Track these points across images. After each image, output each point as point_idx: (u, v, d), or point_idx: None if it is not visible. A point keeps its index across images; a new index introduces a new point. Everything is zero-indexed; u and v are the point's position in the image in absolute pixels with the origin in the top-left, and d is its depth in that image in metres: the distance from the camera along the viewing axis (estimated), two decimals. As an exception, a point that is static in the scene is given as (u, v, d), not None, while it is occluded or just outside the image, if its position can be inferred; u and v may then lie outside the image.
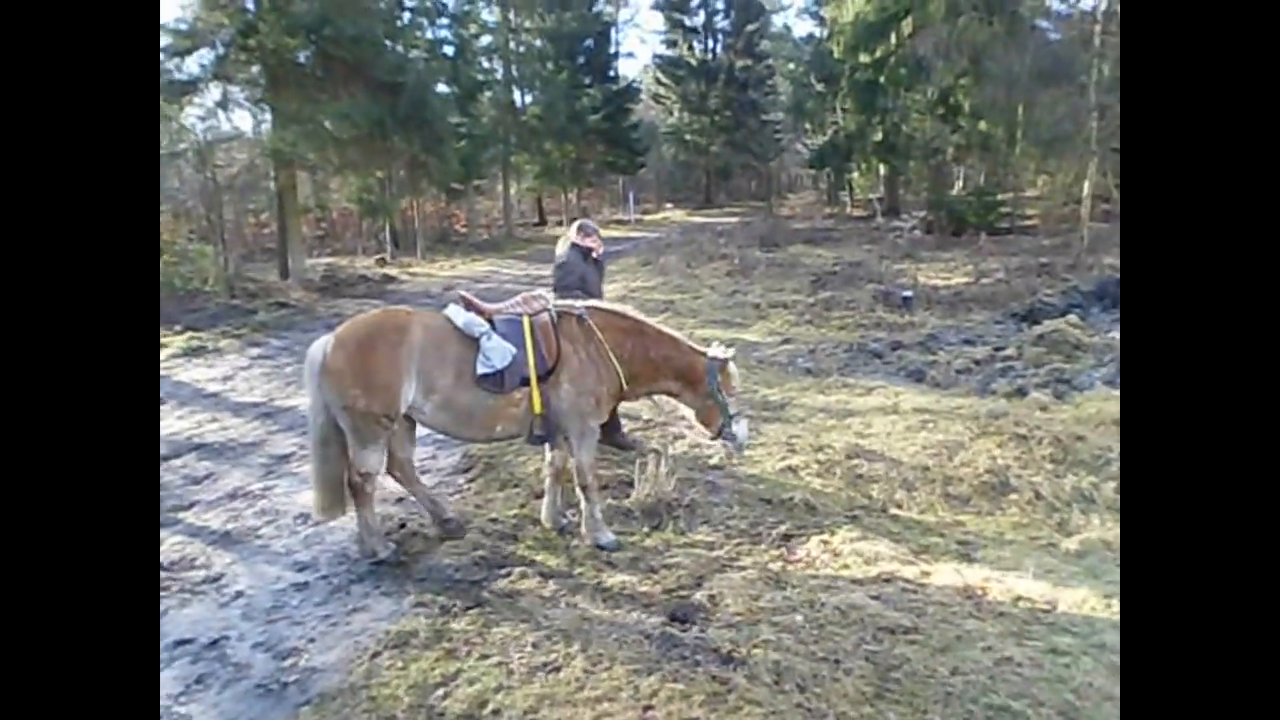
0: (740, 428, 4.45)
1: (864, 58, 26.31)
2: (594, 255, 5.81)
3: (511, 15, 29.69)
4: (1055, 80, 18.62)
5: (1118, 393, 6.90)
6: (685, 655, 3.24)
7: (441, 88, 21.49)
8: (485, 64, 28.73)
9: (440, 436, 6.05)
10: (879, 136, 27.17)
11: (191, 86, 14.84)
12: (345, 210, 23.92)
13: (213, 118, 15.85)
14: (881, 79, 26.30)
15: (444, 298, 11.60)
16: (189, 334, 10.94)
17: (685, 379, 4.41)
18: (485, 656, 3.27)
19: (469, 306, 4.21)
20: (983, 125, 23.88)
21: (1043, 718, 2.82)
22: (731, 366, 4.42)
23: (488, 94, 27.96)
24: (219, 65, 14.87)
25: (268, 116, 16.38)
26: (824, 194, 40.54)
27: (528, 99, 31.59)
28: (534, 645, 3.32)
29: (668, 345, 4.41)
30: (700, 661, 3.19)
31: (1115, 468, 5.36)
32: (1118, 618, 3.55)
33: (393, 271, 18.79)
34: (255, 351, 10.26)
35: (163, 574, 4.21)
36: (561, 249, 5.81)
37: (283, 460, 6.07)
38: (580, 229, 5.87)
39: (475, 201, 29.42)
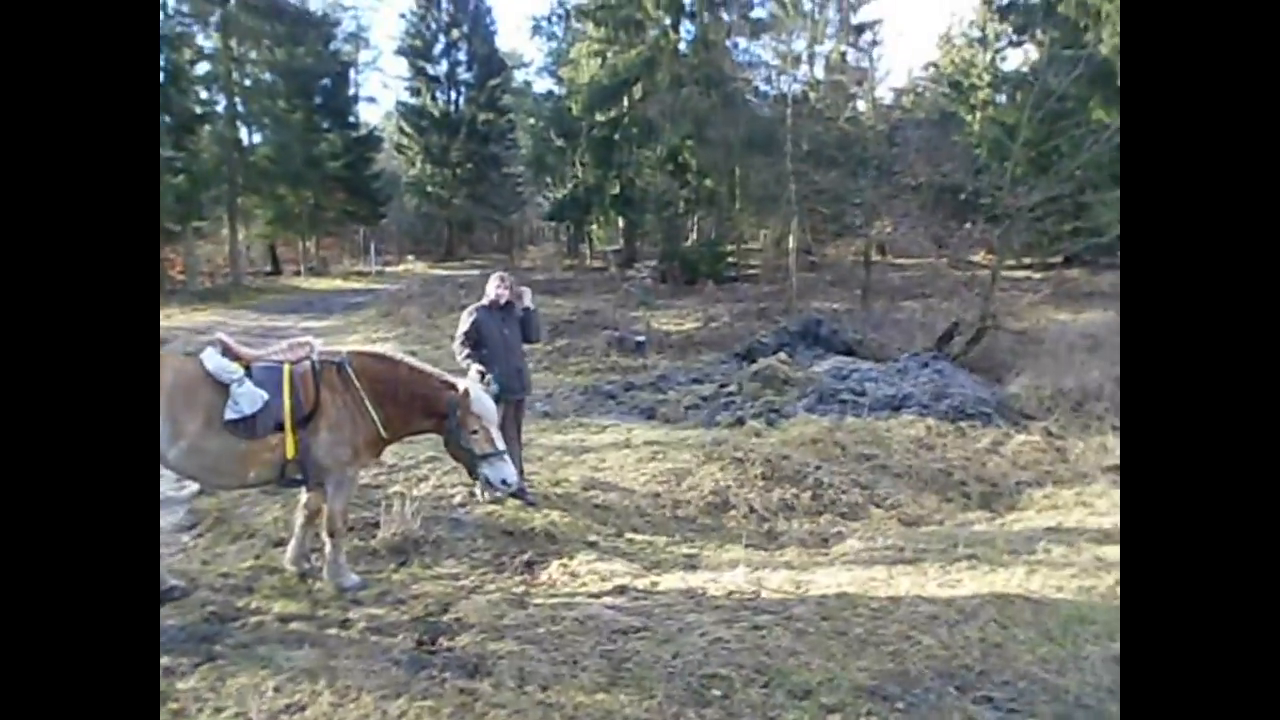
0: (494, 469, 4.17)
1: (600, 116, 28.21)
2: (499, 304, 5.82)
3: (234, 43, 27.82)
4: (764, 149, 21.43)
5: (815, 417, 8.10)
6: (433, 675, 3.36)
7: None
8: (205, 95, 26.64)
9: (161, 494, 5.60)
10: (616, 190, 28.95)
11: None
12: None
13: None
14: (617, 136, 28.33)
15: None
16: None
17: (434, 415, 4.26)
18: (220, 710, 3.13)
19: (225, 351, 4.06)
20: (708, 182, 26.60)
21: (743, 677, 3.34)
22: (477, 403, 4.21)
23: (207, 128, 25.86)
24: None
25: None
26: (564, 246, 41.91)
27: (257, 138, 29.70)
28: (275, 689, 3.25)
29: (419, 382, 4.28)
30: (448, 677, 3.33)
31: (811, 479, 6.31)
32: (806, 595, 4.26)
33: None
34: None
35: None
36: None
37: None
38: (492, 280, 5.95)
39: (194, 245, 26.73)
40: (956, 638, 3.76)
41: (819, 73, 27.84)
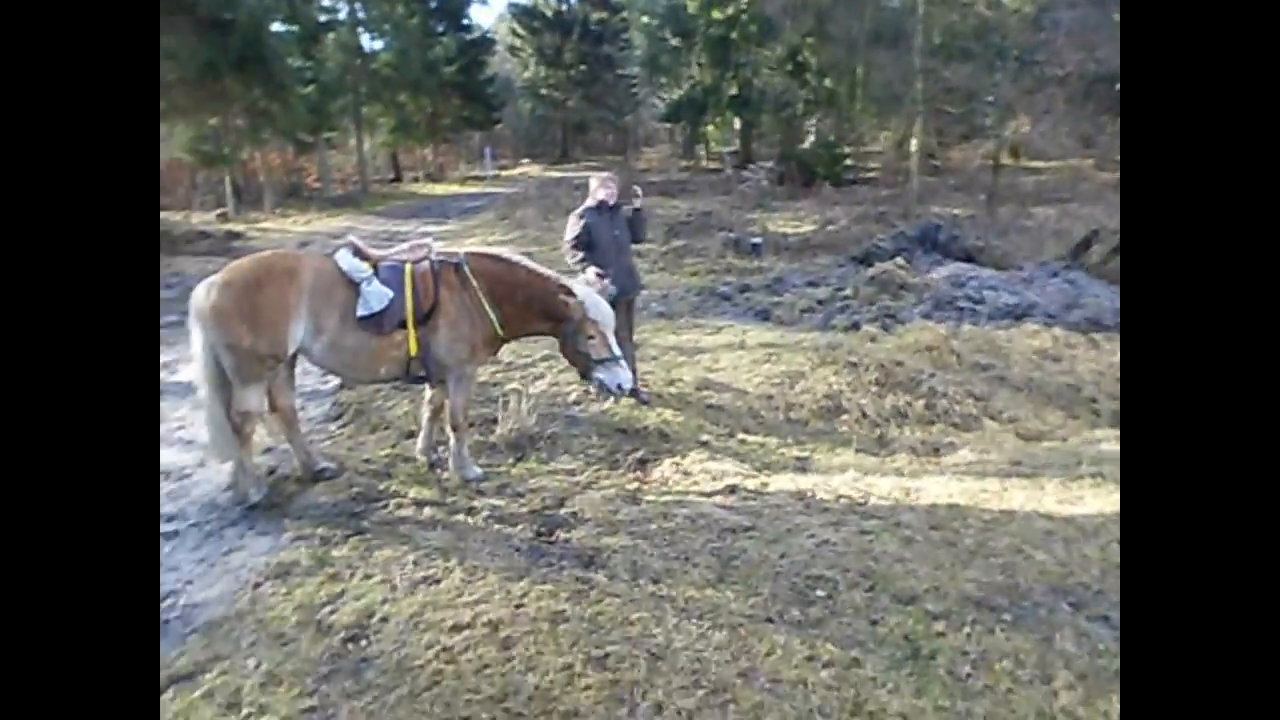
0: (608, 374, 4.27)
1: (717, 14, 26.92)
2: (607, 205, 5.86)
3: (354, -50, 28.16)
4: (890, 44, 19.91)
5: (931, 324, 7.83)
6: (551, 562, 3.62)
7: (279, 26, 20.24)
8: (327, 3, 27.20)
9: (307, 388, 6.12)
10: (733, 90, 27.95)
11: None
12: (174, 161, 22.27)
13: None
14: (734, 35, 27.03)
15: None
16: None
17: (551, 318, 4.36)
18: (369, 576, 3.51)
19: (357, 253, 4.32)
20: (828, 83, 25.18)
21: (848, 580, 3.42)
22: (594, 309, 4.28)
23: (331, 36, 26.53)
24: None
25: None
26: (679, 147, 41.13)
27: (378, 45, 30.22)
28: (414, 563, 3.60)
29: (536, 285, 4.37)
30: (565, 566, 3.58)
31: (925, 387, 6.17)
32: (915, 503, 4.25)
33: (238, 227, 17.83)
34: (88, 313, 9.62)
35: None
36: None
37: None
38: (594, 181, 6.00)
39: (327, 155, 27.98)
40: (1074, 555, 3.68)
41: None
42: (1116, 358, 7.32)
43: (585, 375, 4.45)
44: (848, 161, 25.86)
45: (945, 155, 24.25)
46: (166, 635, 3.22)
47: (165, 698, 2.79)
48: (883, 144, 26.99)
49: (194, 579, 3.65)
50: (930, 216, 15.44)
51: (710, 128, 33.37)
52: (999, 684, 2.80)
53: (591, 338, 4.28)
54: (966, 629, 3.09)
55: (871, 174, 25.88)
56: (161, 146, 21.10)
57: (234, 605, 3.37)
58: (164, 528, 4.19)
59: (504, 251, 4.77)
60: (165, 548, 3.98)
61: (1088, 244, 11.70)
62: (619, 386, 4.32)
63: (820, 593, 3.35)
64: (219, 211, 20.08)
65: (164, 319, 8.79)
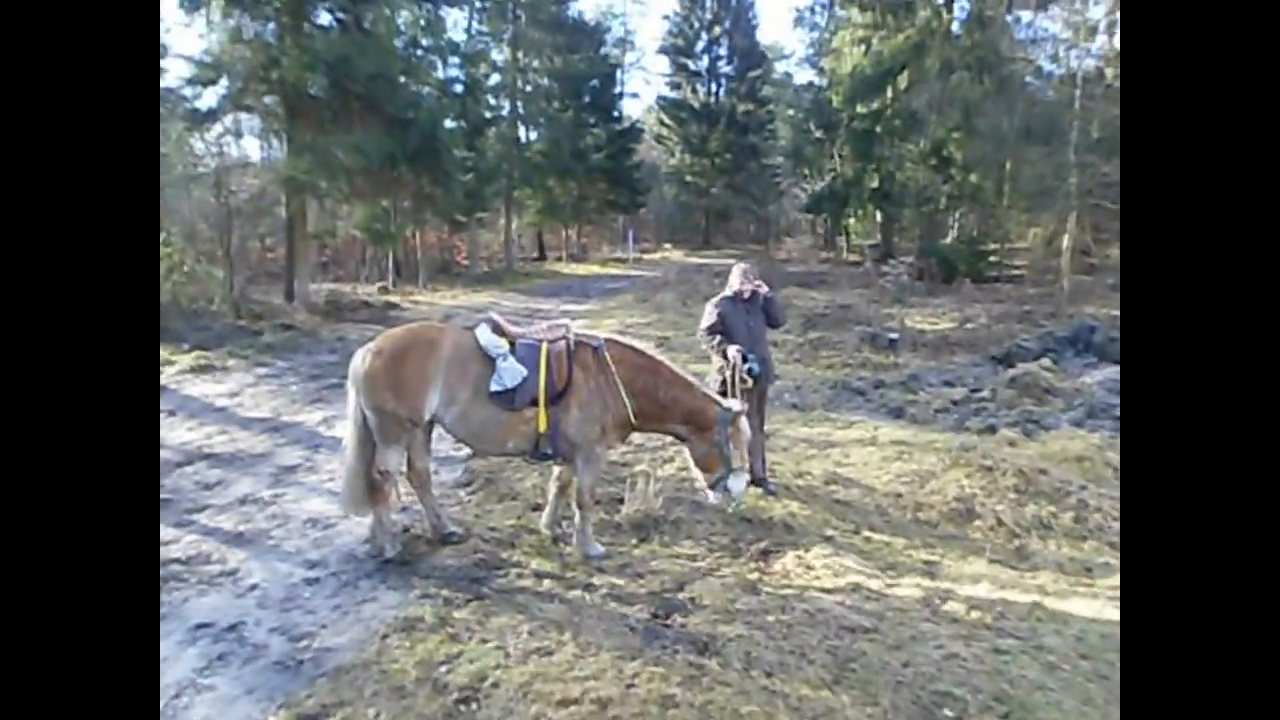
0: (737, 483, 4.58)
1: (861, 108, 27.29)
2: (743, 297, 6.03)
3: (521, 55, 30.65)
4: (1043, 138, 19.41)
5: (1082, 432, 7.31)
6: (665, 645, 3.59)
7: (450, 123, 22.20)
8: (493, 101, 29.59)
9: (442, 455, 6.44)
10: (875, 184, 27.93)
11: (210, 116, 15.45)
12: (349, 238, 24.52)
13: (226, 145, 16.58)
14: (878, 129, 27.25)
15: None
16: (196, 352, 11.25)
17: (693, 423, 4.61)
18: (485, 641, 3.61)
19: (496, 329, 4.61)
20: (973, 177, 24.72)
21: (979, 703, 3.18)
22: (743, 421, 4.62)
23: (494, 130, 28.75)
24: (238, 95, 15.51)
25: (277, 145, 16.98)
26: (820, 239, 41.29)
27: (532, 135, 32.44)
28: (529, 633, 3.67)
29: (680, 388, 4.64)
30: (679, 651, 3.54)
31: (1074, 499, 5.74)
32: (1060, 627, 3.92)
33: (395, 299, 19.25)
34: (262, 370, 10.61)
35: (180, 567, 4.52)
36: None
37: (290, 471, 6.40)
38: (735, 272, 6.20)
39: (477, 234, 30.09)
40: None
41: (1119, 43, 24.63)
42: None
43: (716, 481, 4.64)
44: (992, 258, 25.04)
45: (1104, 252, 23.03)
46: (299, 675, 3.42)
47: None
48: (1031, 241, 25.99)
49: (328, 624, 3.88)
50: (1083, 317, 14.62)
51: (851, 220, 33.35)
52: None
53: (736, 444, 4.55)
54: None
55: (1017, 271, 24.88)
56: (340, 225, 23.46)
57: (361, 654, 3.54)
58: (307, 574, 4.48)
59: (647, 347, 4.97)
60: (305, 592, 4.25)
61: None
62: (740, 493, 4.71)
63: (948, 712, 3.14)
64: (380, 284, 21.82)
65: (326, 381, 9.59)
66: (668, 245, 42.94)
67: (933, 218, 27.62)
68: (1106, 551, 5.30)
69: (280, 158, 17.35)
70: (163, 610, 3.94)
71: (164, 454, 6.55)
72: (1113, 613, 4.16)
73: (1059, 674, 3.45)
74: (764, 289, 6.09)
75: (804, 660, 3.48)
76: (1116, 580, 4.77)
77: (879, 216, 30.96)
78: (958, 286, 21.69)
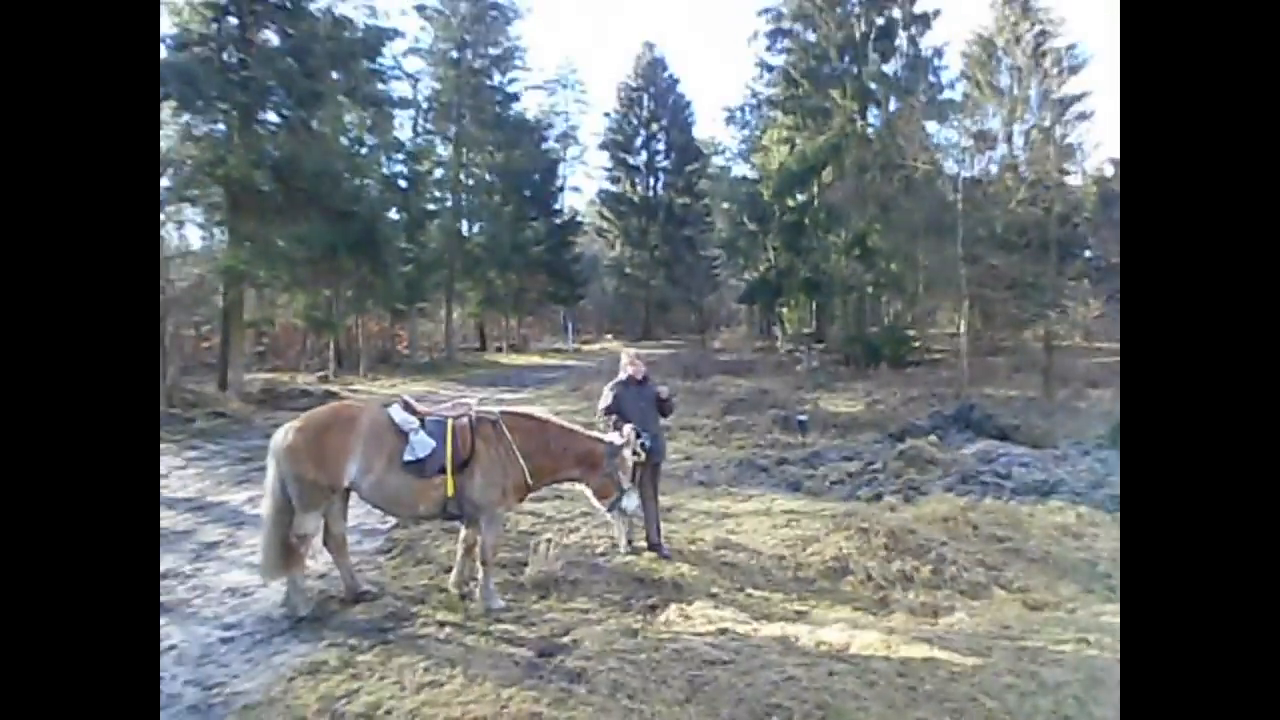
0: (630, 500, 5.42)
1: (790, 201, 29.15)
2: (635, 379, 6.79)
3: (464, 151, 32.02)
4: (937, 233, 21.33)
5: (951, 496, 8.12)
6: (542, 675, 4.09)
7: (393, 215, 23.01)
8: (436, 194, 30.62)
9: (366, 526, 6.86)
10: (805, 274, 29.38)
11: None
12: (289, 327, 24.80)
13: (166, 235, 16.94)
14: (806, 221, 29.03)
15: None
16: (128, 437, 11.38)
17: (586, 464, 5.35)
18: (384, 678, 4.07)
19: (407, 407, 5.22)
20: (894, 267, 26.50)
21: (803, 710, 3.75)
22: (626, 451, 5.37)
23: (436, 222, 29.68)
24: (182, 188, 16.07)
25: (218, 234, 17.44)
26: (756, 329, 42.56)
27: (474, 228, 33.44)
28: (424, 669, 4.14)
29: (568, 436, 5.41)
30: (554, 680, 4.04)
31: (934, 554, 6.44)
32: (892, 654, 4.52)
33: (334, 388, 19.50)
34: (191, 454, 10.85)
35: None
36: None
37: (211, 547, 6.70)
38: (623, 358, 7.00)
39: (419, 323, 30.66)
40: (1025, 705, 3.91)
41: (1018, 151, 27.05)
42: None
43: (613, 504, 5.40)
44: (914, 343, 26.56)
45: (1001, 338, 24.75)
46: (209, 717, 3.80)
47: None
48: (948, 326, 27.78)
49: (240, 674, 4.26)
50: (980, 397, 15.81)
51: (785, 310, 34.74)
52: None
53: (623, 470, 5.32)
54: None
55: (938, 355, 26.41)
56: (280, 313, 23.77)
57: (269, 694, 3.95)
58: (224, 634, 4.85)
59: (536, 410, 5.64)
60: (221, 649, 4.62)
61: (1130, 428, 11.86)
62: (635, 507, 5.63)
63: (775, 718, 3.69)
64: (320, 374, 22.06)
65: (255, 464, 9.88)
66: (608, 336, 43.74)
67: (861, 305, 29.19)
68: (957, 598, 5.98)
69: (221, 245, 17.79)
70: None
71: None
72: (941, 641, 4.79)
73: (876, 687, 4.03)
74: (664, 391, 6.88)
75: (664, 685, 4.00)
76: (954, 618, 5.44)
77: (814, 305, 32.42)
78: (878, 371, 22.99)
